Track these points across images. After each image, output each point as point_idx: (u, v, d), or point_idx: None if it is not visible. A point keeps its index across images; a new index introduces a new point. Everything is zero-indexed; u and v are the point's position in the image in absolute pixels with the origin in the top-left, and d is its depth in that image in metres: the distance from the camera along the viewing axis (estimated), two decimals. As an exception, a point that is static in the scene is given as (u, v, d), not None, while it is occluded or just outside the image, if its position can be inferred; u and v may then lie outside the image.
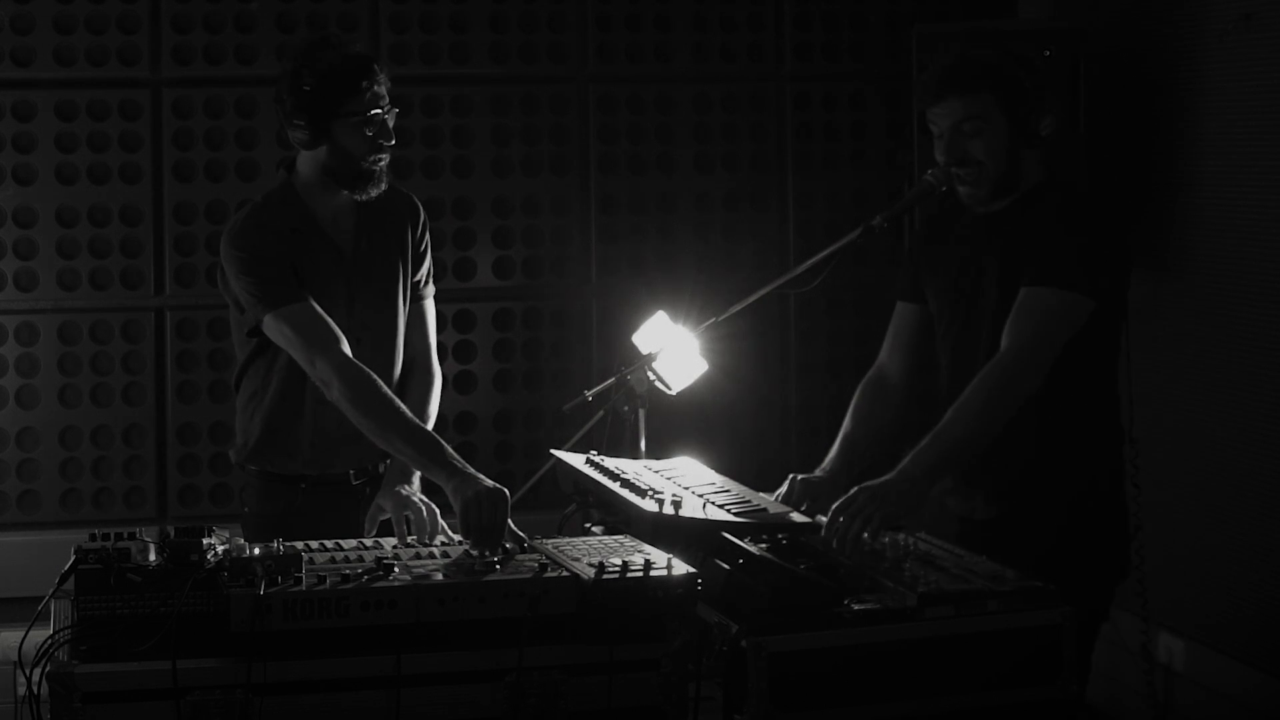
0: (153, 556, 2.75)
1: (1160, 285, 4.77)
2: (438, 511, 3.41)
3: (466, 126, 5.32)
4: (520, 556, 2.96)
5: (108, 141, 5.12)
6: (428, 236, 3.84)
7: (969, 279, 3.57)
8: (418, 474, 3.59)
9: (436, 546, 3.11)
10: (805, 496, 3.46)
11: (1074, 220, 3.48)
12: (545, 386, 5.38)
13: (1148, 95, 4.84)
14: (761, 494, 3.42)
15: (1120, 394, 3.67)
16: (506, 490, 3.14)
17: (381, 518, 3.60)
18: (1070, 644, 2.88)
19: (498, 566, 2.86)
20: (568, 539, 3.09)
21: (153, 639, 2.66)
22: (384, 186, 3.65)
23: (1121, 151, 4.92)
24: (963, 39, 4.91)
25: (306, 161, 3.66)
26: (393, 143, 3.63)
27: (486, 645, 2.72)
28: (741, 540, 2.99)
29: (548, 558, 2.91)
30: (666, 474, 3.53)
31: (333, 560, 2.89)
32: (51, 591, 2.82)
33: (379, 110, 3.58)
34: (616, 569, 2.78)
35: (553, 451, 3.70)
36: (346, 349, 3.51)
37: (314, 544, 3.04)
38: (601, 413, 3.87)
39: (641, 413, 3.79)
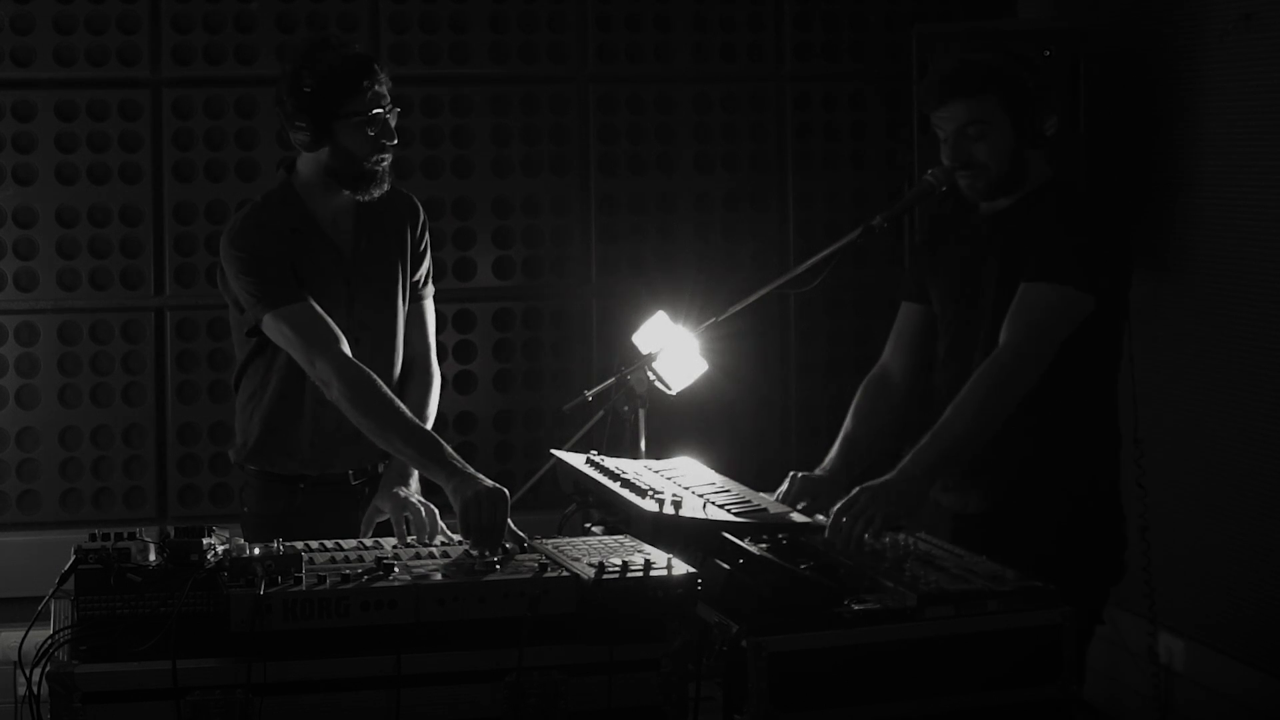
0: (153, 556, 2.75)
1: (1160, 285, 4.77)
2: (437, 512, 3.41)
3: (466, 126, 5.32)
4: (520, 556, 2.96)
5: (108, 141, 5.12)
6: (427, 236, 3.84)
7: (972, 279, 3.57)
8: (416, 475, 3.59)
9: (436, 546, 3.11)
10: (804, 494, 3.46)
11: (1074, 218, 3.48)
12: (545, 386, 5.38)
13: (1148, 95, 4.84)
14: (761, 494, 3.42)
15: (1120, 397, 3.66)
16: (506, 490, 3.14)
17: (379, 519, 3.60)
18: (1070, 644, 2.88)
19: (498, 566, 2.86)
20: (568, 539, 3.09)
21: (153, 639, 2.66)
22: (386, 186, 3.65)
23: (1122, 151, 4.91)
24: (963, 39, 4.91)
25: (307, 162, 3.66)
26: (395, 142, 3.62)
27: (486, 645, 2.72)
28: (741, 540, 2.99)
29: (548, 558, 2.91)
30: (666, 474, 3.53)
31: (333, 560, 2.89)
32: (51, 591, 2.82)
33: (380, 110, 3.58)
34: (616, 569, 2.78)
35: (553, 451, 3.70)
36: (346, 349, 3.51)
37: (314, 544, 3.04)
38: (601, 413, 3.87)
39: (641, 413, 3.79)
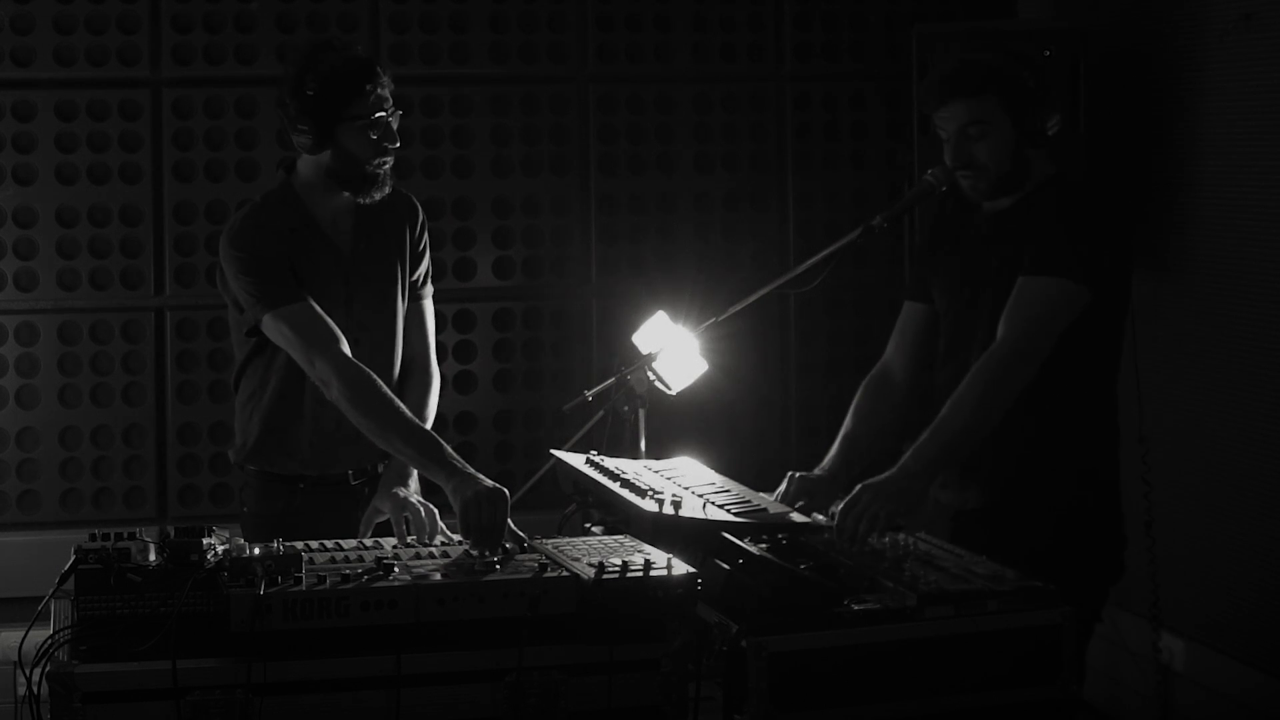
0: (153, 556, 2.75)
1: (1160, 285, 4.77)
2: (436, 513, 3.41)
3: (466, 126, 5.32)
4: (520, 556, 2.96)
5: (108, 141, 5.12)
6: (426, 236, 3.84)
7: (973, 278, 3.57)
8: (415, 475, 3.59)
9: (436, 546, 3.11)
10: (802, 494, 3.46)
11: (1072, 211, 3.48)
12: (545, 386, 5.38)
13: (1148, 95, 4.84)
14: (761, 494, 3.42)
15: (1123, 396, 3.66)
16: (506, 490, 3.14)
17: (378, 520, 3.60)
18: (1070, 644, 2.88)
19: (498, 566, 2.86)
20: (568, 539, 3.09)
21: (153, 639, 2.66)
22: (388, 189, 3.65)
23: (1122, 151, 4.92)
24: (963, 39, 4.91)
25: (308, 163, 3.66)
26: (397, 145, 3.63)
27: (486, 645, 2.72)
28: (741, 540, 2.99)
29: (548, 558, 2.91)
30: (666, 474, 3.53)
31: (333, 560, 2.89)
32: (51, 591, 2.81)
33: (383, 113, 3.58)
34: (616, 569, 2.78)
35: (553, 451, 3.70)
36: (346, 349, 3.51)
37: (314, 544, 3.04)
38: (601, 413, 3.87)
39: (641, 413, 3.79)
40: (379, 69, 3.59)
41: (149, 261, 5.15)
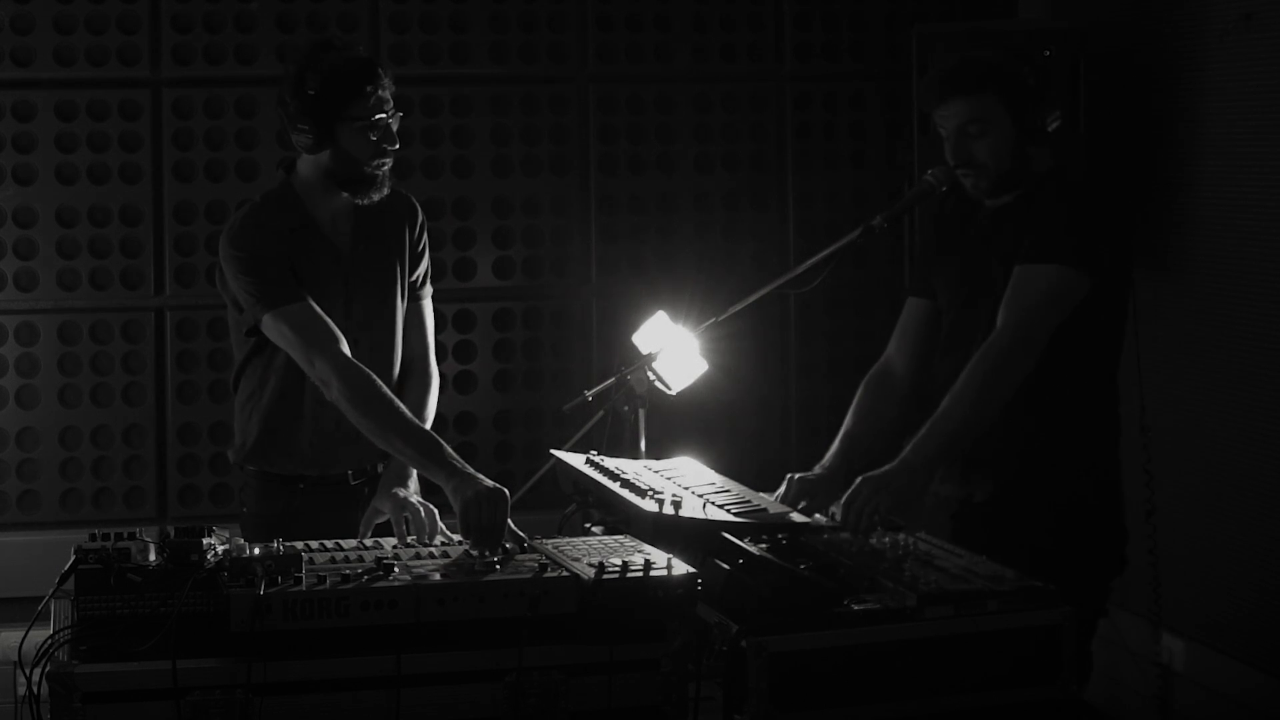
0: (153, 556, 2.75)
1: (1160, 285, 4.77)
2: (436, 513, 3.41)
3: (466, 126, 5.32)
4: (520, 556, 2.96)
5: (108, 141, 5.12)
6: (425, 237, 3.84)
7: (974, 274, 3.58)
8: (414, 475, 3.59)
9: (436, 546, 3.11)
10: (802, 495, 3.47)
11: (1070, 201, 3.49)
12: (545, 386, 5.38)
13: (1148, 95, 4.84)
14: (761, 494, 3.42)
15: (1125, 389, 3.66)
16: (506, 490, 3.14)
17: (378, 520, 3.60)
18: (1070, 644, 2.88)
19: (498, 566, 2.86)
20: (568, 539, 3.09)
21: (153, 639, 2.66)
22: (386, 191, 3.65)
23: (1122, 151, 4.91)
24: (963, 39, 4.91)
25: (307, 163, 3.66)
26: (396, 147, 3.62)
27: (486, 645, 2.72)
28: (741, 540, 2.99)
29: (548, 558, 2.91)
30: (666, 474, 3.53)
31: (333, 560, 2.89)
32: (51, 591, 2.82)
33: (383, 114, 3.58)
34: (616, 569, 2.78)
35: (553, 451, 3.70)
36: (345, 349, 3.51)
37: (314, 544, 3.04)
38: (601, 413, 3.87)
39: (641, 413, 3.79)
40: (380, 70, 3.59)
41: (149, 261, 5.15)
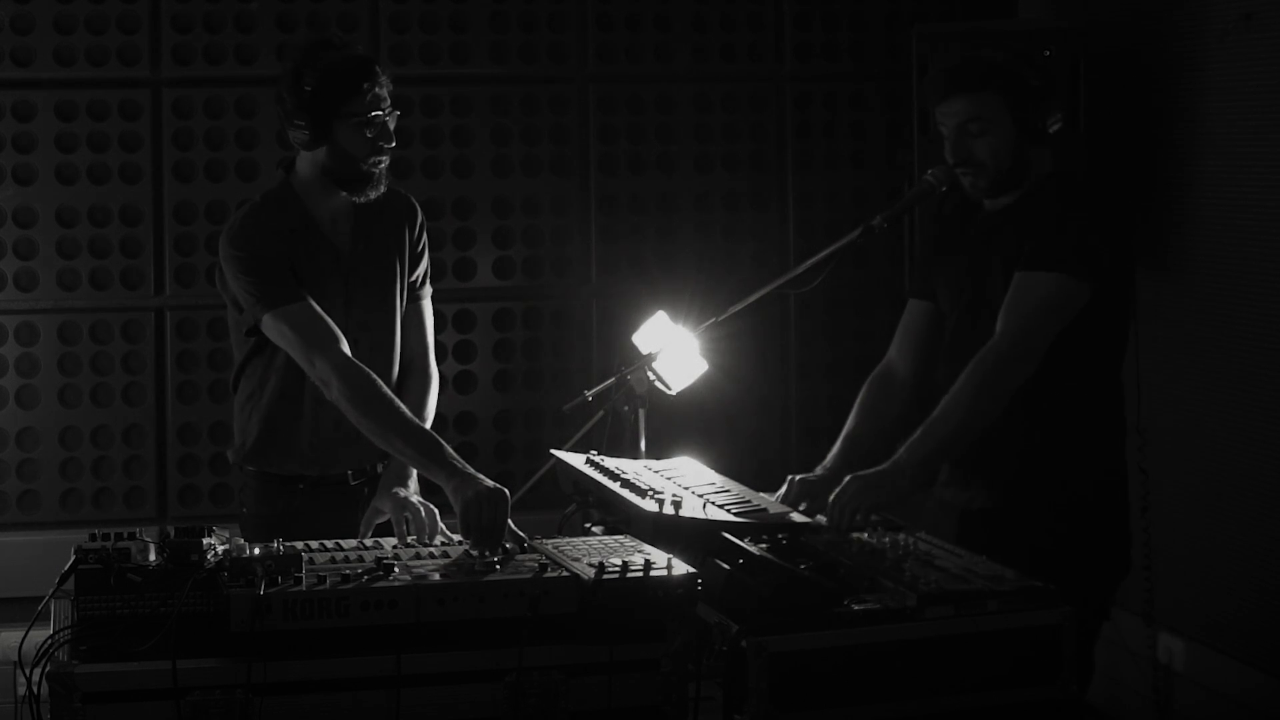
0: (153, 556, 2.75)
1: (1160, 285, 4.77)
2: (437, 513, 3.41)
3: (466, 126, 5.32)
4: (520, 556, 2.96)
5: (108, 141, 5.12)
6: (425, 237, 3.84)
7: (976, 275, 3.57)
8: (414, 475, 3.59)
9: (436, 546, 3.11)
10: (803, 496, 3.47)
11: (1071, 207, 3.48)
12: (545, 386, 5.38)
13: (1148, 95, 4.84)
14: (761, 494, 3.42)
15: (1125, 388, 3.66)
16: (506, 490, 3.14)
17: (378, 520, 3.60)
18: (1070, 644, 2.88)
19: (498, 566, 2.86)
20: (568, 539, 3.09)
21: (153, 639, 2.66)
22: (383, 189, 3.65)
23: (1122, 151, 4.91)
24: (963, 39, 4.91)
25: (306, 162, 3.66)
26: (393, 145, 3.62)
27: (486, 645, 2.72)
28: (741, 540, 2.99)
29: (548, 558, 2.91)
30: (666, 474, 3.53)
31: (333, 560, 2.89)
32: (51, 591, 2.82)
33: (380, 112, 3.58)
34: (616, 569, 2.78)
35: (553, 451, 3.70)
36: (346, 349, 3.51)
37: (314, 544, 3.04)
38: (601, 413, 3.87)
39: (641, 413, 3.79)
40: (378, 68, 3.59)
41: (149, 261, 5.15)
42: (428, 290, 3.86)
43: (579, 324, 5.41)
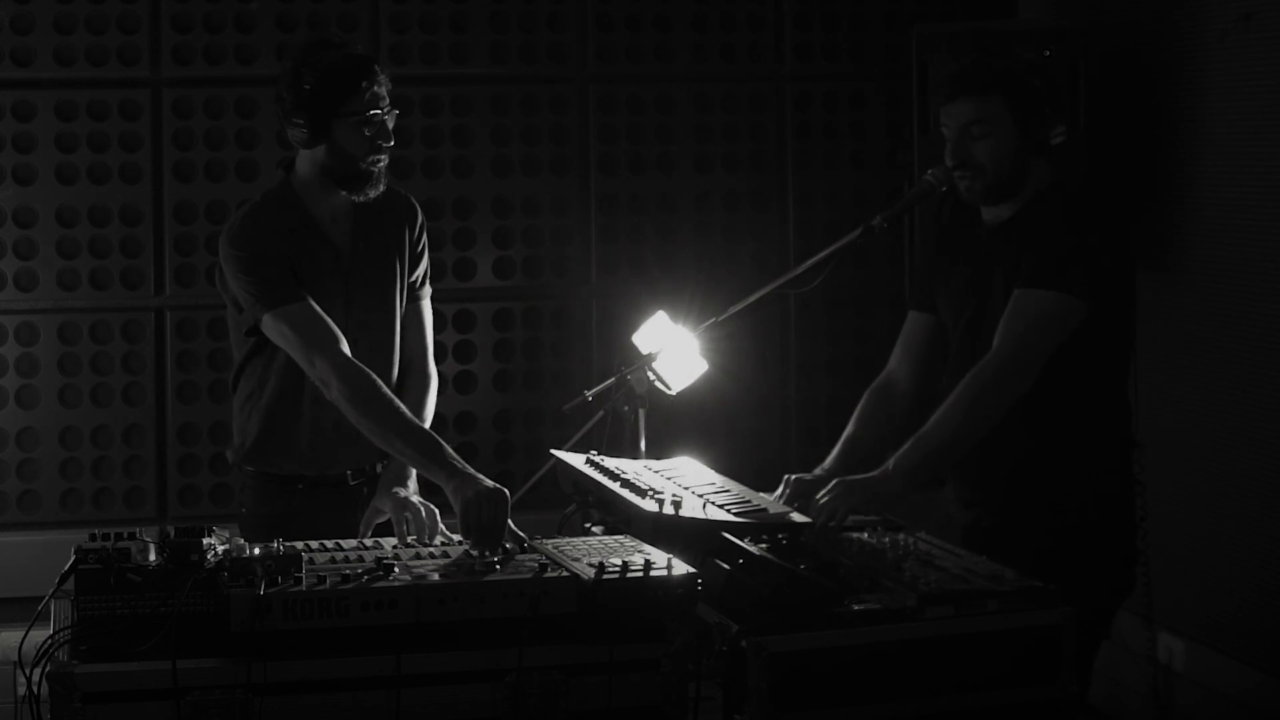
0: (153, 556, 2.75)
1: (1160, 285, 4.77)
2: (437, 513, 3.41)
3: (466, 126, 5.32)
4: (520, 556, 2.96)
5: (108, 141, 5.12)
6: (425, 237, 3.84)
7: (978, 290, 3.57)
8: (414, 475, 3.59)
9: (436, 546, 3.11)
10: (797, 496, 3.46)
11: (1071, 223, 3.47)
12: (545, 386, 5.38)
13: (1148, 95, 4.84)
14: (761, 494, 3.42)
15: (1131, 404, 3.64)
16: (506, 490, 3.14)
17: (378, 520, 3.60)
18: (1070, 644, 2.88)
19: (498, 566, 2.86)
20: (568, 539, 3.09)
21: (153, 639, 2.66)
22: (382, 188, 3.65)
23: (1122, 152, 4.92)
24: (963, 39, 4.91)
25: (305, 161, 3.66)
26: (391, 144, 3.62)
27: (486, 645, 2.72)
28: (741, 540, 2.99)
29: (548, 558, 2.91)
30: (666, 474, 3.53)
31: (333, 560, 2.89)
32: (51, 591, 2.82)
33: (379, 111, 3.58)
34: (616, 569, 2.78)
35: (553, 451, 3.70)
36: (345, 349, 3.51)
37: (314, 544, 3.04)
38: (601, 413, 3.87)
39: (641, 413, 3.79)
40: (377, 67, 3.59)
41: (149, 261, 5.15)
42: (427, 291, 3.85)
43: (579, 324, 5.41)
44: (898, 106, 5.37)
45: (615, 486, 3.33)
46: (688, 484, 3.44)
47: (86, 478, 5.14)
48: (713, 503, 3.27)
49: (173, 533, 2.80)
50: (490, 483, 3.15)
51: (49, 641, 2.70)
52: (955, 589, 2.89)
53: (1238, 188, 4.48)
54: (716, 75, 5.47)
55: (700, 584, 2.80)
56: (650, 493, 3.25)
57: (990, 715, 2.87)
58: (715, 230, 5.47)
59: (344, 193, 3.64)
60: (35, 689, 2.64)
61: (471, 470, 3.22)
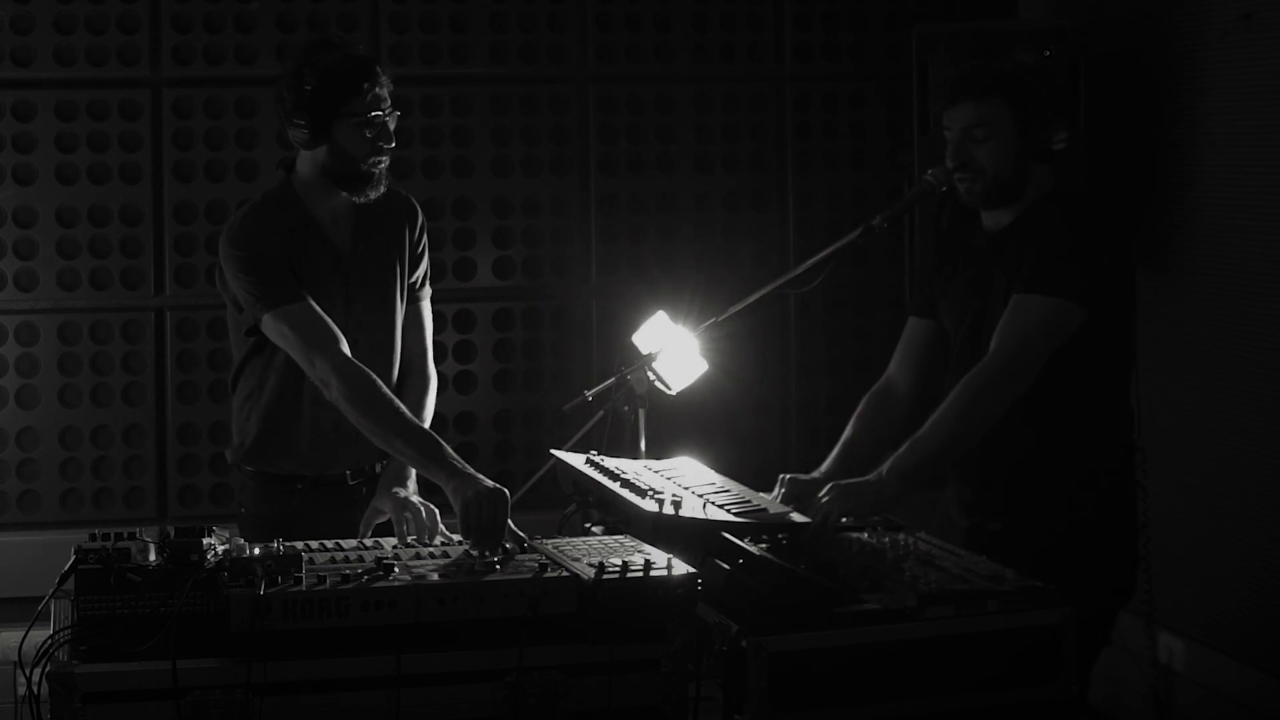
0: (153, 556, 2.75)
1: (1160, 285, 4.77)
2: (437, 513, 3.41)
3: (466, 126, 5.32)
4: (520, 556, 2.96)
5: (108, 141, 5.12)
6: (425, 239, 3.84)
7: (978, 295, 3.57)
8: (413, 476, 3.59)
9: (436, 546, 3.11)
10: (794, 497, 3.46)
11: (1071, 227, 3.47)
12: (545, 386, 5.38)
13: (1148, 95, 4.84)
14: (761, 494, 3.42)
15: (1133, 409, 3.64)
16: (506, 490, 3.14)
17: (378, 520, 3.60)
18: (1070, 644, 2.88)
19: (498, 566, 2.86)
20: (568, 539, 3.09)
21: (153, 639, 2.66)
22: (383, 189, 3.64)
23: (1122, 152, 4.92)
24: (963, 39, 4.91)
25: (306, 162, 3.66)
26: (392, 145, 3.62)
27: (486, 645, 2.72)
28: (741, 540, 2.99)
29: (548, 558, 2.91)
30: (666, 474, 3.53)
31: (333, 560, 2.89)
32: (51, 591, 2.82)
33: (380, 112, 3.58)
34: (616, 569, 2.78)
35: (553, 451, 3.70)
36: (346, 349, 3.51)
37: (314, 544, 3.04)
38: (601, 413, 3.87)
39: (641, 413, 3.79)
40: (378, 69, 3.59)
41: (149, 261, 5.15)
42: (427, 292, 3.85)
43: (579, 324, 5.41)
44: (898, 106, 5.37)
45: (615, 486, 3.33)
46: (688, 484, 3.44)
47: (86, 478, 5.14)
48: (713, 503, 3.27)
49: (173, 533, 2.80)
50: (490, 483, 3.15)
51: (49, 641, 2.70)
52: (955, 589, 2.89)
53: (1238, 188, 4.48)
54: (716, 75, 5.47)
55: (700, 584, 2.80)
56: (650, 493, 3.25)
57: (990, 715, 2.87)
58: (715, 230, 5.47)
59: (345, 194, 3.64)
60: (35, 689, 2.64)
61: (471, 470, 3.22)
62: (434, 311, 3.89)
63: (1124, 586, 3.57)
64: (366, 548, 3.04)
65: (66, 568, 2.76)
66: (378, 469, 3.73)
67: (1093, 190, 4.73)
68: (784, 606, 2.78)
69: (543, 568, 2.84)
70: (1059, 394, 3.42)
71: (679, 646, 2.77)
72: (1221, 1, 4.49)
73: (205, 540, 2.78)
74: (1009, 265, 3.48)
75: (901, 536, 3.23)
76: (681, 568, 2.81)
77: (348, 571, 2.78)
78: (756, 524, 3.15)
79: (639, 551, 2.93)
